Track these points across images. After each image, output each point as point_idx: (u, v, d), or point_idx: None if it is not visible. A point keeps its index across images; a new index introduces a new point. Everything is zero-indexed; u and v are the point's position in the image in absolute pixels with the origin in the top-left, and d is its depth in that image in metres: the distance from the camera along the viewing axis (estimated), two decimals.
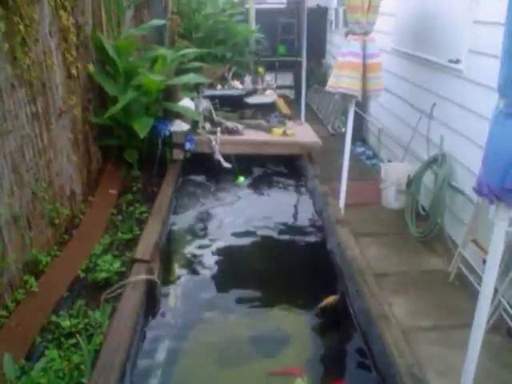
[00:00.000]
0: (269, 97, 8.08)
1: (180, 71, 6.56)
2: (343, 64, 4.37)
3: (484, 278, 2.09)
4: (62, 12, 4.33)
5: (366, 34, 4.28)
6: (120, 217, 4.74)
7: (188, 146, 5.98)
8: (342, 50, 4.44)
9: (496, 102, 1.73)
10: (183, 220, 5.16)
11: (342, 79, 4.38)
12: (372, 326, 3.28)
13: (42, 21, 3.93)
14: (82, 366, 2.84)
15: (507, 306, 3.26)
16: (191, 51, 6.80)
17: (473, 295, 3.54)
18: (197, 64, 6.97)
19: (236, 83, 8.28)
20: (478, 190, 1.87)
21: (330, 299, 3.78)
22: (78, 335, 3.07)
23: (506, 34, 1.75)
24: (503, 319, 3.32)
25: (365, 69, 4.33)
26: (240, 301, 3.91)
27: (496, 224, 1.86)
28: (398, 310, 3.63)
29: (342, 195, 4.93)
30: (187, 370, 3.16)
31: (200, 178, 6.21)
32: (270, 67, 10.36)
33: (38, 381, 2.70)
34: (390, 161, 6.20)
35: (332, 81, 4.54)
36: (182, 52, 6.41)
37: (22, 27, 3.49)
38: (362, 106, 7.09)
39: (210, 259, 4.46)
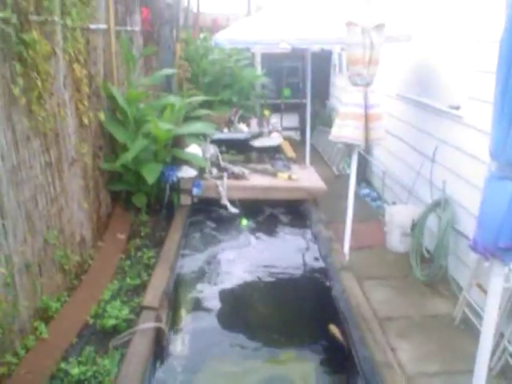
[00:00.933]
0: (274, 139, 8.22)
1: (188, 117, 6.73)
2: (346, 114, 4.50)
3: (483, 330, 2.14)
4: (75, 65, 4.50)
5: (367, 85, 4.42)
6: (128, 262, 4.82)
7: (195, 191, 6.09)
8: (344, 101, 4.58)
9: (488, 165, 1.83)
10: (190, 264, 5.22)
11: (344, 129, 4.50)
12: (376, 375, 3.29)
13: (57, 74, 4.09)
14: None
15: None
16: (199, 99, 7.00)
17: (478, 339, 3.55)
18: (204, 111, 7.15)
19: (242, 126, 8.45)
20: (474, 248, 1.95)
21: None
22: (86, 383, 3.11)
23: (497, 98, 1.86)
24: (509, 364, 3.32)
25: (366, 118, 4.45)
26: (246, 347, 3.94)
27: (492, 279, 1.92)
28: (402, 355, 3.62)
29: (347, 239, 4.98)
30: None
31: (206, 223, 6.28)
32: (276, 109, 10.59)
33: None
34: (394, 203, 6.27)
35: (335, 130, 4.65)
36: (189, 99, 6.59)
37: (39, 82, 3.64)
38: (366, 149, 7.20)
39: (216, 304, 4.51)
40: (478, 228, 1.92)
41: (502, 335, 3.37)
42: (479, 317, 3.82)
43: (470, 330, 3.90)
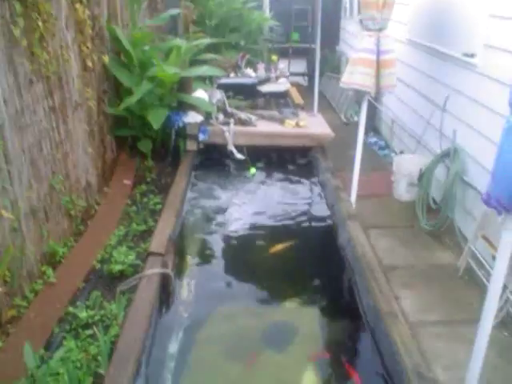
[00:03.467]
0: (282, 85, 8.05)
1: (194, 61, 6.58)
2: (357, 60, 4.36)
3: (491, 282, 2.13)
4: (77, 5, 4.37)
5: (380, 30, 4.26)
6: (134, 208, 4.83)
7: (201, 137, 6.03)
8: (356, 46, 4.43)
9: (507, 116, 1.76)
10: (196, 210, 5.23)
11: (355, 75, 4.37)
12: (380, 323, 3.34)
13: (58, 15, 3.97)
14: (99, 357, 2.93)
15: None
16: (205, 41, 6.81)
17: (481, 290, 3.57)
18: (210, 55, 6.98)
19: (249, 71, 8.26)
20: (487, 201, 1.91)
21: (280, 246, 3.95)
22: (94, 326, 3.17)
23: None
24: (511, 315, 3.34)
25: (378, 65, 4.31)
26: (251, 293, 4.00)
27: (503, 234, 1.90)
28: (406, 304, 3.65)
29: (354, 188, 4.95)
30: (199, 362, 3.25)
31: (213, 169, 6.27)
32: (284, 54, 10.33)
33: (57, 370, 2.80)
34: (402, 152, 6.20)
35: (345, 77, 4.53)
36: (196, 42, 6.42)
37: (40, 23, 3.54)
38: (376, 96, 7.05)
39: (222, 251, 4.55)
40: (493, 181, 1.87)
41: (505, 287, 3.38)
42: (483, 268, 3.84)
43: (473, 280, 3.91)
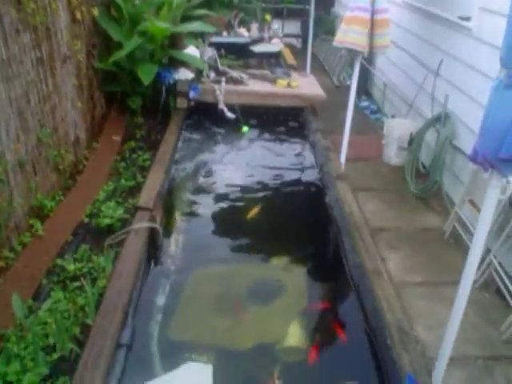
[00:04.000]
0: (275, 46, 7.96)
1: (185, 18, 6.45)
2: (351, 19, 4.29)
3: (473, 243, 2.16)
4: None
5: None
6: (123, 164, 4.81)
7: (192, 94, 5.96)
8: (350, 5, 4.35)
9: (498, 72, 1.76)
10: (186, 168, 5.23)
11: (349, 34, 4.31)
12: (365, 280, 3.40)
13: None
14: (87, 308, 2.96)
15: (498, 266, 3.34)
16: None
17: (466, 254, 3.59)
18: (203, 11, 6.83)
19: (242, 31, 8.14)
20: (473, 158, 1.92)
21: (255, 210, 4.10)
22: (82, 278, 3.19)
23: None
24: (493, 278, 3.41)
25: (372, 24, 4.26)
26: (239, 250, 4.04)
27: (488, 191, 1.92)
28: (391, 265, 3.72)
29: (344, 150, 4.96)
30: (186, 315, 3.29)
31: (202, 127, 6.23)
32: (278, 15, 10.18)
33: (45, 320, 2.84)
34: (393, 116, 6.19)
35: (339, 36, 4.47)
36: None
37: None
38: (369, 59, 6.99)
39: (210, 208, 4.56)
40: (480, 137, 1.88)
41: (488, 251, 3.44)
42: (469, 232, 3.89)
43: (458, 244, 3.97)
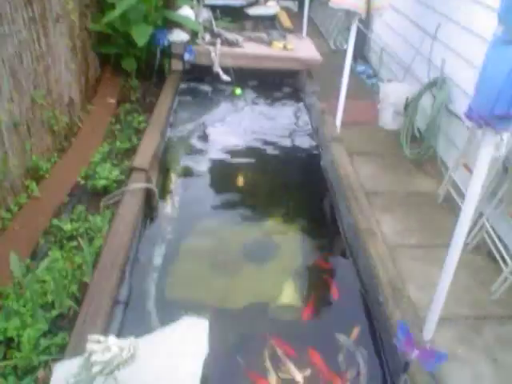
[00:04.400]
0: (271, 8, 7.85)
1: None
2: None
3: (466, 201, 2.19)
4: None
5: None
6: (118, 126, 4.79)
7: (187, 56, 5.89)
8: None
9: (495, 29, 1.75)
10: (181, 130, 5.22)
11: None
12: (359, 240, 3.44)
13: None
14: (84, 267, 3.01)
15: (490, 229, 3.38)
16: None
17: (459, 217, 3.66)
18: None
19: None
20: (468, 115, 1.93)
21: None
22: (79, 238, 3.22)
23: None
24: (485, 241, 3.46)
25: None
26: (234, 211, 4.08)
27: (482, 149, 1.93)
28: (385, 227, 3.74)
29: (340, 113, 4.95)
30: (182, 274, 3.34)
31: (198, 90, 6.19)
32: None
33: (43, 278, 2.88)
34: (390, 81, 6.14)
35: None
36: None
37: None
38: (366, 23, 6.91)
39: (206, 170, 4.59)
40: (476, 94, 1.88)
41: (481, 215, 3.47)
42: (462, 196, 3.89)
43: (451, 208, 3.99)
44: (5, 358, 2.46)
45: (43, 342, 2.53)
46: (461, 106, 4.31)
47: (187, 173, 4.55)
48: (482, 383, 2.24)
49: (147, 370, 2.07)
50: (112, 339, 1.80)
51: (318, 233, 3.95)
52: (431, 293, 2.58)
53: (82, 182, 3.90)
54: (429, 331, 2.60)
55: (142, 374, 2.03)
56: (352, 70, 4.87)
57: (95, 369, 1.75)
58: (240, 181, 4.52)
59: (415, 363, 2.31)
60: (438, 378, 2.47)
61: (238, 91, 6.13)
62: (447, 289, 2.43)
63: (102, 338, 1.81)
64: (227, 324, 2.95)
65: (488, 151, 1.93)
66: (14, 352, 2.47)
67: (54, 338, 2.57)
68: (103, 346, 1.77)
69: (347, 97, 4.90)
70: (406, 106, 5.07)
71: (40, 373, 2.40)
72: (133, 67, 5.61)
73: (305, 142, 5.28)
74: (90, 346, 1.77)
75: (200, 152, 4.87)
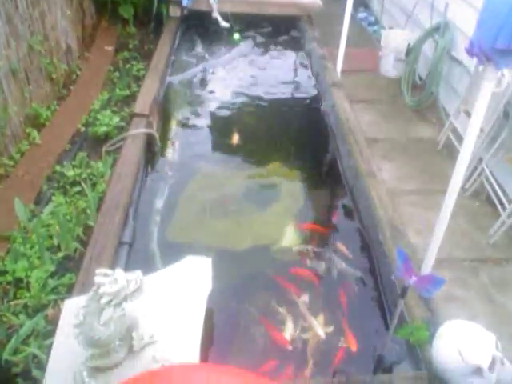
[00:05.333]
0: None
1: None
2: None
3: (464, 141, 2.20)
4: None
5: None
6: (117, 73, 4.75)
7: (185, 2, 5.78)
8: None
9: None
10: (180, 79, 5.17)
11: None
12: (359, 181, 3.48)
13: None
14: (88, 211, 3.05)
15: (489, 175, 3.40)
16: None
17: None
18: None
19: None
20: (469, 50, 1.92)
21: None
22: (82, 183, 3.25)
23: None
24: (484, 186, 3.49)
25: None
26: (235, 156, 4.11)
27: (483, 84, 1.93)
28: (385, 173, 3.77)
29: (340, 60, 4.90)
30: (184, 217, 3.39)
31: (196, 37, 6.10)
32: None
33: (48, 222, 2.93)
34: (391, 28, 6.04)
35: None
36: None
37: None
38: None
39: (207, 116, 4.59)
40: (477, 29, 1.87)
41: (480, 160, 3.49)
42: (462, 142, 3.91)
43: (451, 154, 3.98)
44: (15, 297, 2.53)
45: (51, 283, 2.60)
46: (463, 51, 4.23)
47: (187, 118, 4.54)
48: (479, 323, 2.30)
49: (154, 302, 2.14)
50: (119, 272, 1.85)
51: (318, 176, 4.00)
52: (428, 236, 2.62)
53: (83, 129, 3.90)
54: (426, 272, 2.66)
55: (149, 306, 2.10)
56: (353, 18, 4.78)
57: (103, 300, 1.80)
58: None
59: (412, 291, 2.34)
60: (435, 318, 2.53)
61: (237, 37, 6.05)
62: (444, 229, 2.47)
63: (109, 271, 1.86)
64: (229, 265, 3.01)
65: (489, 86, 1.93)
66: (23, 292, 2.54)
67: (62, 278, 2.64)
68: (111, 279, 1.82)
69: (348, 45, 4.84)
70: (408, 53, 5.00)
71: (49, 311, 2.48)
72: (130, 14, 5.51)
73: (305, 88, 5.25)
74: (97, 279, 1.82)
75: (199, 98, 4.85)
